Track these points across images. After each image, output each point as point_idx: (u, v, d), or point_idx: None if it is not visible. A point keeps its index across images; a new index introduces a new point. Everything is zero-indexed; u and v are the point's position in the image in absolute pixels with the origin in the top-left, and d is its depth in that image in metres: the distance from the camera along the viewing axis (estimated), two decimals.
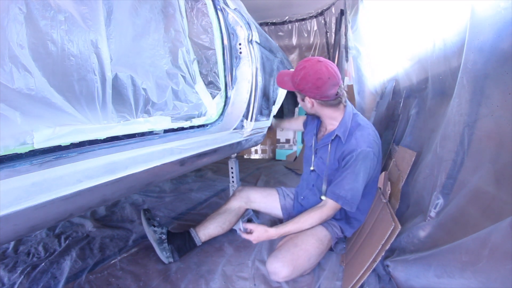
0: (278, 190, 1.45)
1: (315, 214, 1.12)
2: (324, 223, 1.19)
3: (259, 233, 1.08)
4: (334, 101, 1.11)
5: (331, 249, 1.24)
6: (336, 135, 1.14)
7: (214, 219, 1.31)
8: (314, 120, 1.33)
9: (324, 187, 1.19)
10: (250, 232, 1.10)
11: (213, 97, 1.11)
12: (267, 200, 1.41)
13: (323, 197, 1.18)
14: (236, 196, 1.39)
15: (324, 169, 1.18)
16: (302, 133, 3.42)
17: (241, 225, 1.47)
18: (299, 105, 1.99)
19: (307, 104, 1.14)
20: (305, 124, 1.48)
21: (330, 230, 1.19)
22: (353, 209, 1.08)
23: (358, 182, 1.06)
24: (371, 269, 0.89)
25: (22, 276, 1.12)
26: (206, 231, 1.29)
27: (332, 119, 1.17)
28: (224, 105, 1.15)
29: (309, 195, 1.31)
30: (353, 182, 1.06)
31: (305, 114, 1.39)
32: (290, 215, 1.38)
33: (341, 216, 1.25)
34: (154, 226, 1.22)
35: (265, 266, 1.07)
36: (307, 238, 1.10)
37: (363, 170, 1.06)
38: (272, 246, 1.35)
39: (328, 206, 1.12)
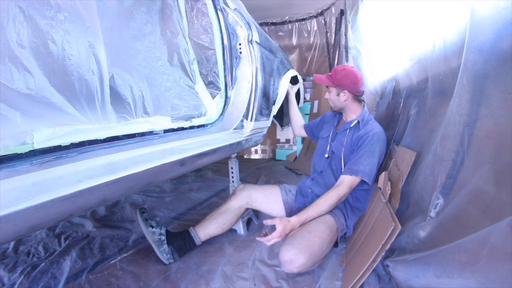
0: (280, 186, 1.46)
1: (333, 194, 1.18)
2: (331, 212, 1.23)
3: (284, 225, 1.06)
4: (361, 97, 1.38)
5: (335, 245, 1.25)
6: (357, 121, 1.34)
7: (214, 219, 1.31)
8: (335, 116, 1.52)
9: (341, 164, 1.31)
10: (266, 234, 1.07)
11: (213, 97, 1.11)
12: (269, 200, 1.40)
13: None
14: (237, 195, 1.38)
15: (342, 149, 1.32)
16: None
17: (241, 226, 1.48)
18: (300, 105, 1.99)
19: (342, 97, 1.36)
20: (309, 129, 1.69)
21: (337, 219, 1.22)
22: (371, 181, 1.20)
23: (375, 158, 1.21)
24: (371, 269, 0.89)
25: (22, 276, 1.12)
26: (206, 231, 1.29)
27: (353, 113, 1.40)
28: (224, 105, 1.15)
29: (318, 178, 1.39)
30: (370, 158, 1.20)
31: (330, 111, 1.56)
32: (292, 209, 1.39)
33: (341, 205, 1.29)
34: (152, 227, 1.21)
35: (279, 256, 1.04)
36: (319, 225, 1.12)
37: (378, 149, 1.23)
38: (272, 246, 1.34)
39: (345, 183, 1.19)
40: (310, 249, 1.03)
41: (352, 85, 1.33)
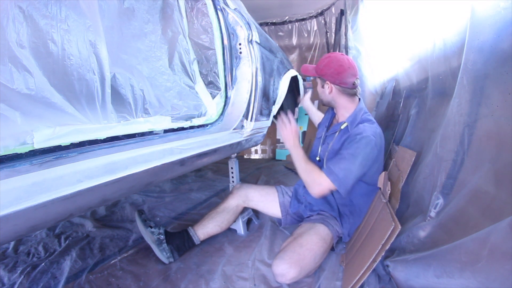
0: (277, 188, 1.45)
1: (315, 174, 1.14)
2: (325, 222, 1.20)
3: (292, 131, 1.20)
4: (350, 90, 1.22)
5: (332, 249, 1.24)
6: (346, 124, 1.21)
7: (212, 218, 1.32)
8: (329, 114, 1.41)
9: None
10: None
11: (213, 97, 1.11)
12: (265, 199, 1.40)
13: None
14: (234, 194, 1.39)
15: (326, 154, 1.24)
16: (303, 132, 3.43)
17: (241, 226, 1.48)
18: (300, 105, 1.97)
19: (326, 90, 1.24)
20: (320, 123, 1.53)
21: (331, 228, 1.20)
22: (341, 189, 1.08)
23: (354, 165, 1.09)
24: (371, 269, 0.89)
25: (22, 276, 1.12)
26: (205, 230, 1.29)
27: (345, 109, 1.26)
28: (224, 105, 1.15)
29: None
30: (349, 163, 1.09)
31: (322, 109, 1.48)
32: (288, 212, 1.39)
33: (335, 214, 1.26)
34: (151, 227, 1.21)
35: (271, 268, 1.05)
36: (311, 238, 1.10)
37: (362, 155, 1.09)
38: (272, 246, 1.35)
39: (324, 185, 1.11)
40: (300, 263, 1.02)
41: (335, 75, 1.18)
